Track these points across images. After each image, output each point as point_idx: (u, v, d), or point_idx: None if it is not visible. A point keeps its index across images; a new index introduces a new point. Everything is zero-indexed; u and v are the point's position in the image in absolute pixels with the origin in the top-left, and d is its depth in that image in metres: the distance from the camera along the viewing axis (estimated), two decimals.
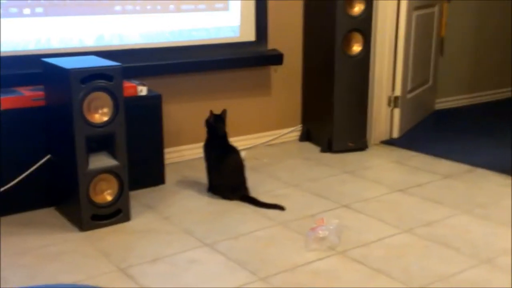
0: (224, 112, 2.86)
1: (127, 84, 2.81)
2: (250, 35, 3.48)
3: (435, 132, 4.04)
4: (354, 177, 3.17)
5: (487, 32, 4.74)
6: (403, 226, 2.53)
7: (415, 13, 3.80)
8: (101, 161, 2.47)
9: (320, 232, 2.33)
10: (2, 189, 2.53)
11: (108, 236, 2.42)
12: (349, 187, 3.01)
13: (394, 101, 3.75)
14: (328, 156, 3.51)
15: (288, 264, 2.19)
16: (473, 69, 4.77)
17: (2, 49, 2.74)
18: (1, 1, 2.70)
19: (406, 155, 3.54)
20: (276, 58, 3.56)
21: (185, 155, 3.14)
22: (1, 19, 2.72)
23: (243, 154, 3.35)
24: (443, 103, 4.64)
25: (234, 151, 2.85)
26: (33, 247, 2.32)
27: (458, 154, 3.49)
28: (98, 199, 2.48)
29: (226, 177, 2.81)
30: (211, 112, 2.83)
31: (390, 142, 3.75)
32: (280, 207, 2.69)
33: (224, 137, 2.86)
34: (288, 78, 3.71)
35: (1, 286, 2.02)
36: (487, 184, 3.06)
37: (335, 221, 2.39)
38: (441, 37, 4.39)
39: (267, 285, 2.05)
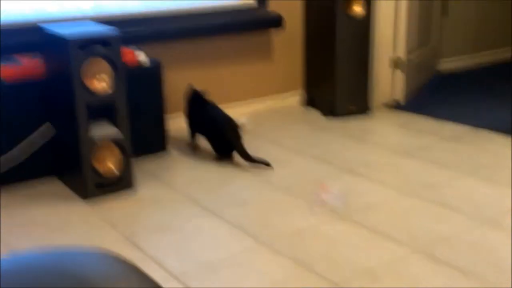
0: (203, 93, 2.93)
1: (126, 50, 2.76)
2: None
3: (438, 94, 4.00)
4: (357, 141, 3.15)
5: None
6: (407, 189, 2.53)
7: None
8: (102, 129, 2.45)
9: (323, 196, 2.33)
10: (3, 157, 2.51)
11: (112, 205, 2.42)
12: (352, 152, 2.99)
13: (396, 63, 3.71)
14: (330, 120, 3.48)
15: (292, 228, 2.20)
16: (477, 29, 4.70)
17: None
18: None
19: (410, 118, 3.52)
20: (276, 21, 3.50)
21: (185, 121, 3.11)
22: None
23: (243, 119, 3.34)
24: (447, 63, 4.59)
25: (213, 104, 2.91)
26: (37, 217, 2.32)
27: (462, 116, 3.47)
28: (101, 167, 2.46)
29: (220, 129, 2.83)
30: (191, 88, 2.90)
31: (393, 106, 3.72)
32: (267, 164, 2.73)
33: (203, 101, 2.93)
34: (289, 43, 3.66)
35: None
36: (491, 145, 3.05)
37: (338, 186, 2.39)
38: None
39: (272, 250, 2.06)
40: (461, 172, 2.71)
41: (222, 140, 2.86)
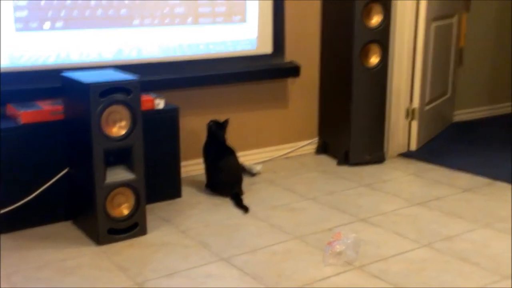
0: (226, 121, 3.06)
1: (145, 97, 2.83)
2: (267, 48, 3.48)
3: (453, 144, 3.99)
4: (372, 190, 3.14)
5: (506, 42, 4.69)
6: (422, 240, 2.50)
7: (434, 24, 3.78)
8: (118, 174, 2.48)
9: (337, 246, 2.31)
10: (21, 202, 2.55)
11: (125, 250, 2.43)
12: (366, 200, 2.98)
13: (412, 113, 3.72)
14: (345, 169, 3.49)
15: (305, 279, 2.18)
16: (492, 80, 4.72)
17: (23, 64, 2.78)
18: (22, 15, 2.73)
19: (424, 167, 3.50)
20: (293, 70, 3.55)
21: (202, 168, 3.14)
22: (22, 33, 2.75)
23: (259, 167, 3.37)
24: (462, 115, 4.59)
25: (230, 152, 3.04)
26: (50, 260, 2.33)
27: (477, 167, 3.45)
28: (115, 212, 2.49)
29: (222, 175, 3.00)
30: (212, 121, 3.06)
31: (408, 155, 3.72)
32: (244, 209, 2.81)
33: (223, 141, 3.05)
34: (305, 90, 3.70)
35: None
36: (507, 197, 3.01)
37: (353, 235, 2.37)
38: (460, 48, 4.35)
39: None
40: (477, 224, 2.67)
41: (219, 181, 3.01)
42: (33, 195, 2.57)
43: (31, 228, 2.61)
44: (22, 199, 2.55)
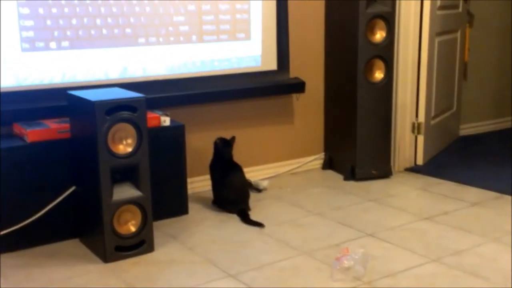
0: (232, 138, 3.08)
1: (151, 114, 2.84)
2: (271, 64, 3.50)
3: (460, 158, 3.98)
4: (379, 205, 3.13)
5: (510, 56, 4.69)
6: (431, 255, 2.48)
7: (438, 39, 3.79)
8: (125, 192, 2.48)
9: (345, 261, 2.30)
10: (28, 221, 2.55)
11: (132, 267, 2.42)
12: (374, 216, 2.97)
13: (418, 128, 3.72)
14: (351, 184, 3.48)
15: None
16: (497, 94, 4.72)
17: (29, 83, 2.80)
18: (28, 36, 2.76)
19: (431, 182, 3.49)
20: (298, 86, 3.57)
21: (208, 184, 3.14)
22: (29, 53, 2.78)
23: (265, 183, 3.37)
24: (468, 129, 4.59)
25: (237, 169, 3.05)
26: (57, 279, 2.32)
27: (484, 180, 3.43)
28: (122, 230, 2.48)
29: (229, 192, 3.00)
30: (218, 138, 3.06)
31: (414, 169, 3.71)
32: (260, 225, 2.80)
33: (229, 158, 3.06)
34: (310, 106, 3.71)
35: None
36: None
37: (361, 251, 2.35)
38: (465, 62, 4.36)
39: None
40: (485, 238, 2.65)
41: (226, 197, 3.02)
42: (40, 213, 2.57)
43: (37, 246, 2.60)
44: (29, 217, 2.55)
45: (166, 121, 2.91)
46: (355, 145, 3.50)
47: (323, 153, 3.80)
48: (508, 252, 2.51)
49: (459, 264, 2.40)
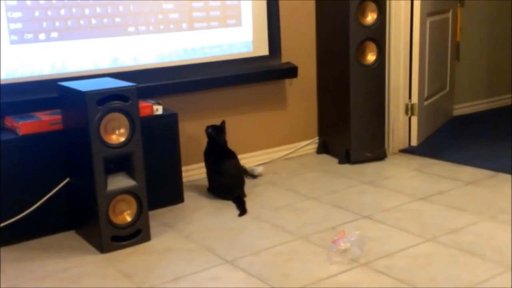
0: (223, 123, 3.06)
1: (143, 103, 2.83)
2: (263, 50, 3.48)
3: (454, 138, 3.99)
4: (374, 187, 3.13)
5: (502, 35, 4.69)
6: (427, 235, 2.49)
7: (429, 20, 3.78)
8: (119, 182, 2.47)
9: (342, 244, 2.31)
10: (23, 214, 2.54)
11: (129, 257, 2.42)
12: (369, 198, 2.97)
13: (411, 109, 3.72)
14: (346, 167, 3.48)
15: (311, 278, 2.17)
16: (490, 73, 4.72)
17: (19, 75, 2.78)
18: (17, 28, 2.74)
19: (426, 162, 3.50)
20: (291, 71, 3.55)
21: (203, 172, 3.14)
22: (18, 45, 2.76)
23: (260, 169, 3.37)
24: (461, 108, 4.59)
25: (232, 156, 3.05)
26: (54, 271, 2.32)
27: (478, 159, 3.44)
28: (117, 220, 2.48)
29: (224, 179, 2.99)
30: (209, 126, 3.05)
31: (409, 151, 3.71)
32: (241, 212, 2.80)
33: (223, 145, 3.05)
34: (303, 91, 3.70)
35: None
36: (510, 189, 3.00)
37: (357, 233, 2.36)
38: (457, 42, 4.35)
39: None
40: (480, 216, 2.66)
41: (221, 184, 3.01)
42: (35, 206, 2.57)
43: (33, 239, 2.60)
44: (24, 211, 2.55)
45: (158, 109, 2.90)
46: (349, 128, 3.50)
47: (317, 138, 3.80)
48: (504, 229, 2.52)
49: (455, 242, 2.41)
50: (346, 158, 3.53)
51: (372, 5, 3.40)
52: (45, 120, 2.64)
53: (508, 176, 3.17)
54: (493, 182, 3.12)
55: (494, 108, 4.72)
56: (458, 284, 2.08)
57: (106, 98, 2.39)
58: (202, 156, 3.09)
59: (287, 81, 3.62)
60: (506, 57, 4.74)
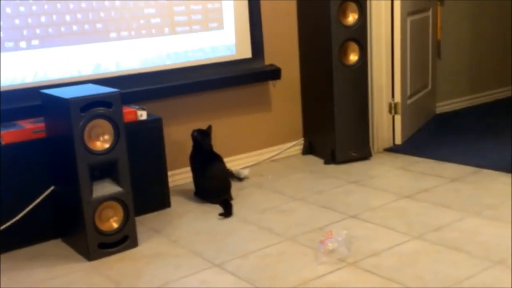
0: (209, 127, 3.06)
1: (127, 109, 2.82)
2: (246, 52, 3.49)
3: (437, 136, 4.02)
4: (360, 186, 3.15)
5: (482, 32, 4.74)
6: (413, 232, 2.51)
7: (410, 19, 3.81)
8: (105, 188, 2.46)
9: (329, 244, 2.32)
10: (8, 223, 2.52)
11: (117, 263, 2.41)
12: (355, 197, 2.99)
13: (394, 108, 3.75)
14: (332, 167, 3.49)
15: (299, 279, 2.17)
16: (471, 71, 4.77)
17: (0, 84, 2.75)
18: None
19: (411, 161, 3.52)
20: (274, 73, 3.56)
21: (189, 176, 3.13)
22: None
23: (246, 172, 3.37)
24: (444, 106, 4.63)
25: (218, 159, 3.05)
26: (41, 280, 2.31)
27: (462, 156, 3.48)
28: (104, 227, 2.47)
29: (210, 183, 2.99)
30: (195, 130, 3.05)
31: (393, 149, 3.74)
32: (225, 213, 2.80)
33: (209, 149, 3.06)
34: (287, 92, 3.71)
35: None
36: (494, 184, 3.04)
37: (344, 232, 2.38)
38: (438, 40, 4.39)
39: None
40: (465, 213, 2.69)
41: (208, 188, 3.01)
42: (20, 215, 2.54)
43: (19, 249, 2.57)
44: (9, 220, 2.53)
45: (143, 115, 2.89)
46: (333, 128, 3.51)
47: (302, 139, 3.81)
48: (489, 225, 2.55)
49: (441, 239, 2.43)
50: (331, 158, 3.55)
51: (353, 6, 3.43)
52: (28, 129, 2.62)
53: (492, 172, 3.20)
54: (477, 178, 3.16)
55: (476, 105, 4.77)
56: (446, 281, 2.10)
57: (89, 105, 2.38)
58: (188, 161, 3.09)
59: (270, 83, 3.63)
60: (486, 54, 4.79)
